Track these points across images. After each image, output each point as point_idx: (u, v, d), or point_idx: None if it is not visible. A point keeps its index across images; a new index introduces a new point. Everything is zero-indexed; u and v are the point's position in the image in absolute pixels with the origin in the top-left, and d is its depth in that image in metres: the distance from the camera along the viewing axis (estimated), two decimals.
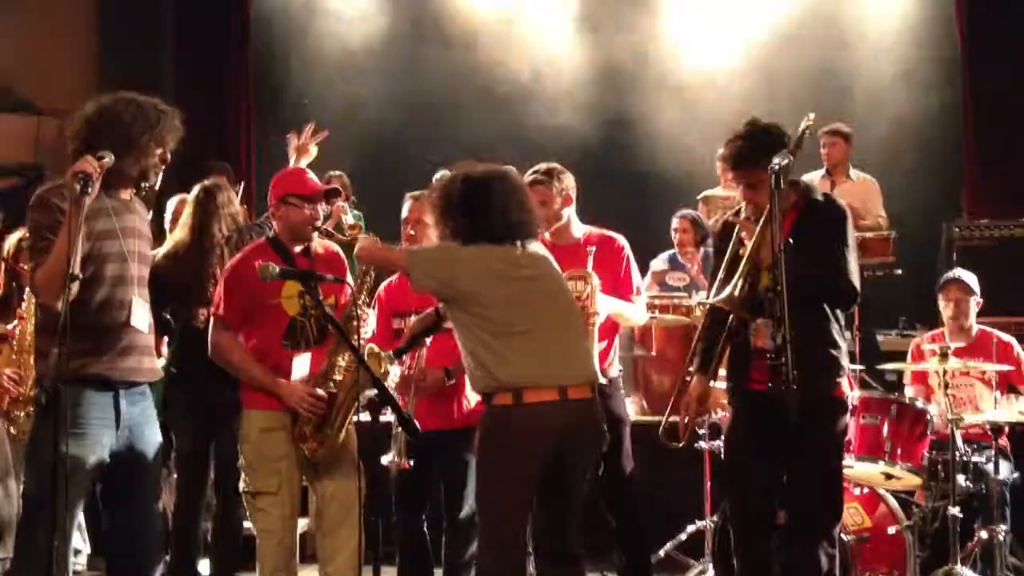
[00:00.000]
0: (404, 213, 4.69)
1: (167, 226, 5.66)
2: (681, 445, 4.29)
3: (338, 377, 3.99)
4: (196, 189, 5.00)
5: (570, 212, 4.67)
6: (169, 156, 3.61)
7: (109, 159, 3.38)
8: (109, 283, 3.48)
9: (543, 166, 4.66)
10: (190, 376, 4.67)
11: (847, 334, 4.05)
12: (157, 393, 4.88)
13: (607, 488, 4.60)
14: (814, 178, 7.39)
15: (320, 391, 3.95)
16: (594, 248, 4.53)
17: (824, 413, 3.85)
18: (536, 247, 3.79)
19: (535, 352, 3.59)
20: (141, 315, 3.56)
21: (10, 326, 5.20)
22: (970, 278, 5.41)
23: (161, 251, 4.80)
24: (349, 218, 7.56)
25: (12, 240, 5.35)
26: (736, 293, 3.75)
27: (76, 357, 3.33)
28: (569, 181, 4.66)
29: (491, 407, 3.63)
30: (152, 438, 3.67)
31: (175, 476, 5.57)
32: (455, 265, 3.67)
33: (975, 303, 5.40)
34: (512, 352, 3.59)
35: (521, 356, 3.59)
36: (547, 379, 3.59)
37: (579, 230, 4.70)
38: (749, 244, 3.82)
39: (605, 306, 4.44)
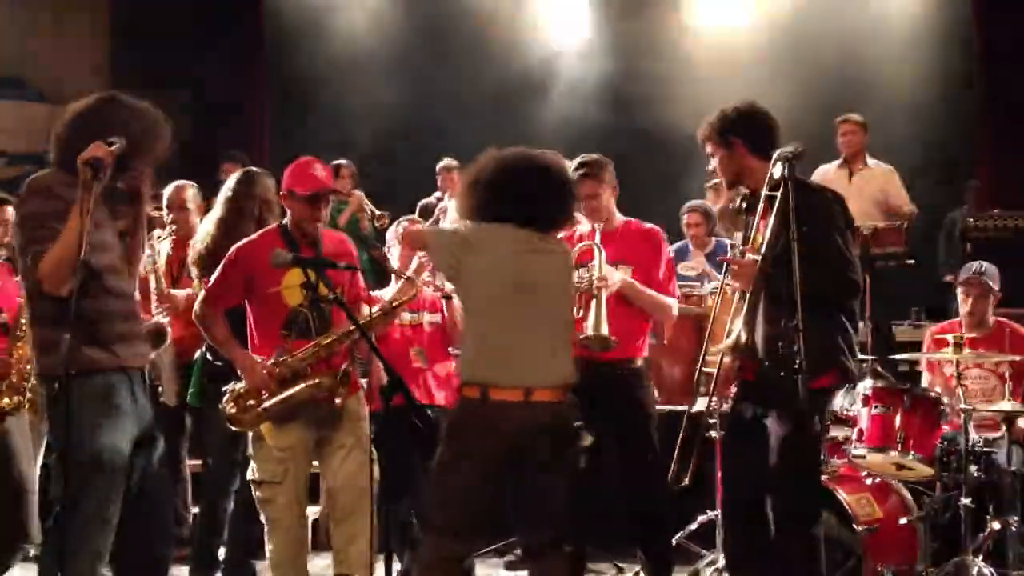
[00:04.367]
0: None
1: (164, 212, 5.69)
2: (687, 483, 4.27)
3: (308, 369, 4.01)
4: (237, 173, 4.90)
5: (612, 202, 4.74)
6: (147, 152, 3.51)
7: (120, 144, 3.38)
8: (115, 272, 3.47)
9: (587, 158, 4.69)
10: (222, 367, 4.58)
11: (854, 322, 3.98)
12: (195, 383, 4.91)
13: (630, 478, 4.65)
14: (830, 168, 7.39)
15: (277, 369, 3.98)
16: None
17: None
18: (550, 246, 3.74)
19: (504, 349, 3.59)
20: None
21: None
22: (992, 275, 5.35)
23: (198, 238, 4.75)
24: (369, 206, 7.60)
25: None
26: (742, 341, 3.73)
27: (97, 346, 3.34)
28: (612, 171, 4.72)
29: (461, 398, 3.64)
30: (156, 426, 3.65)
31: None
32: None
33: (993, 298, 5.37)
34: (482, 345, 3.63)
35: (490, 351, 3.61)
36: (512, 379, 3.56)
37: (619, 219, 4.77)
38: (747, 290, 3.79)
39: (616, 277, 4.50)
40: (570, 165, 5.94)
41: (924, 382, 5.48)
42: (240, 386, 4.02)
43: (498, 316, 3.62)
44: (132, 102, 3.54)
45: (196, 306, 4.15)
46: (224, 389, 4.08)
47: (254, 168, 5.02)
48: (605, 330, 4.43)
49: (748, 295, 3.75)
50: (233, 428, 4.09)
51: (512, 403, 3.52)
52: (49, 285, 3.33)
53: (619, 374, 4.62)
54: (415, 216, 5.54)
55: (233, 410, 4.00)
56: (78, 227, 3.23)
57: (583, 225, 4.79)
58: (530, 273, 3.62)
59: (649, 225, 4.83)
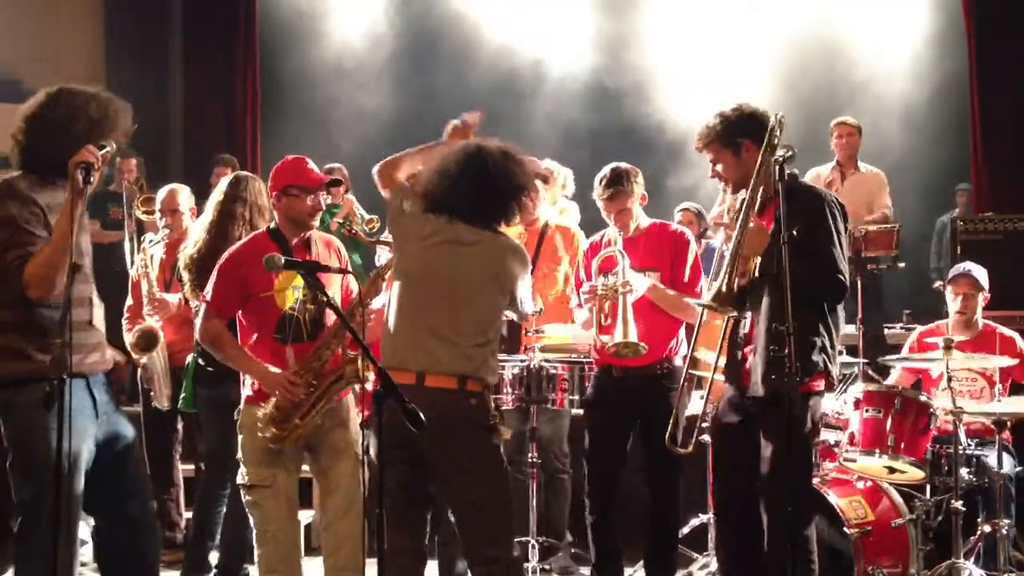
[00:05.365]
0: None
1: (157, 216, 5.70)
2: (689, 450, 4.32)
3: (324, 368, 3.99)
4: (228, 177, 4.89)
5: (639, 208, 4.81)
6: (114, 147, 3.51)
7: (110, 148, 3.37)
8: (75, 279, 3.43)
9: (615, 172, 4.71)
10: (213, 372, 4.62)
11: (838, 327, 3.97)
12: (187, 388, 4.91)
13: (651, 475, 4.71)
14: (823, 170, 7.39)
15: (300, 379, 3.95)
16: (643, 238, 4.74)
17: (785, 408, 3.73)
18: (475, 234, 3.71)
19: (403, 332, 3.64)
20: (99, 311, 3.61)
21: None
22: (980, 273, 5.36)
23: (189, 242, 4.73)
24: (359, 210, 7.64)
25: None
26: (723, 290, 3.76)
27: (47, 352, 3.23)
28: (641, 180, 4.77)
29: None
30: (127, 426, 3.68)
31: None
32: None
33: (983, 298, 5.38)
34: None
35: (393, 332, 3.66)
36: (406, 362, 3.56)
37: (645, 222, 4.82)
38: (730, 243, 3.84)
39: (640, 284, 4.56)
40: (556, 170, 5.99)
41: (894, 378, 5.51)
42: (269, 406, 3.96)
43: (405, 302, 3.67)
44: (82, 89, 3.52)
45: (199, 325, 4.06)
46: (259, 415, 3.98)
47: (244, 172, 5.02)
48: (634, 336, 4.46)
49: (732, 248, 3.76)
50: (274, 446, 3.99)
51: (404, 387, 3.46)
52: (37, 291, 3.31)
53: (653, 375, 4.68)
54: None
55: (273, 431, 3.94)
56: (67, 230, 3.22)
57: (610, 230, 4.83)
58: (441, 262, 3.65)
59: (675, 227, 4.88)
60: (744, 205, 3.81)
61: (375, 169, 3.92)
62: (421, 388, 3.53)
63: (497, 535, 3.63)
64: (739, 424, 3.97)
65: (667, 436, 4.29)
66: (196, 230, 4.74)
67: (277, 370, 3.96)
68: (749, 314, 3.95)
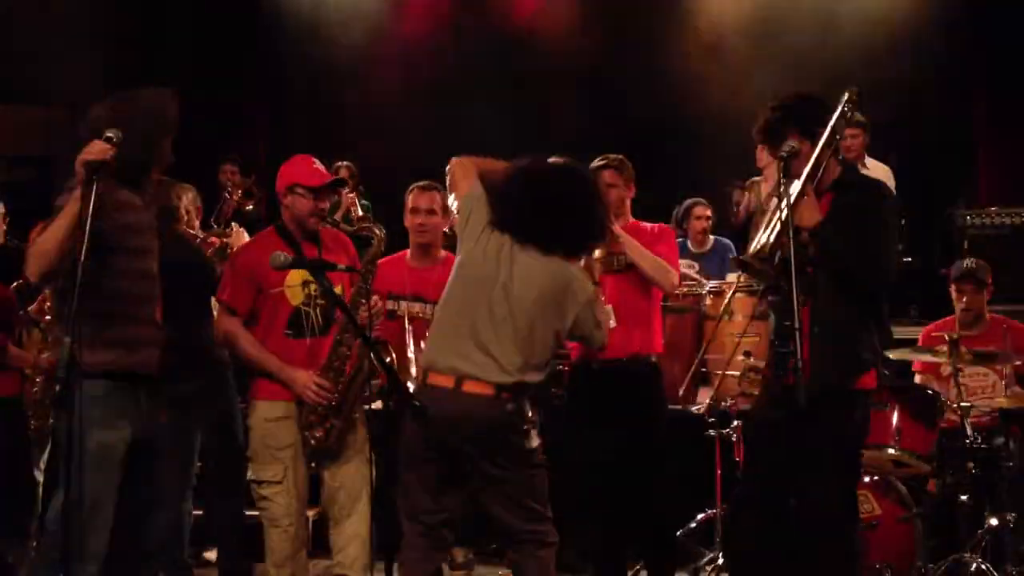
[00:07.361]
0: (411, 203, 4.72)
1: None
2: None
3: (345, 365, 4.00)
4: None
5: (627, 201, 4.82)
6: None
7: (116, 137, 3.39)
8: (137, 276, 3.56)
9: (612, 156, 4.82)
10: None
11: (888, 326, 3.93)
12: None
13: (634, 475, 4.64)
14: None
15: (326, 380, 3.97)
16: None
17: (834, 405, 3.71)
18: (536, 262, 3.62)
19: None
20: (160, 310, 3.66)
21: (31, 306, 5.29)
22: (981, 270, 5.37)
23: None
24: (358, 209, 7.67)
25: (39, 231, 5.45)
26: (764, 249, 3.64)
27: (103, 349, 3.40)
28: (633, 174, 4.81)
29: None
30: (167, 430, 3.79)
31: None
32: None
33: (987, 292, 5.38)
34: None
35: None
36: (446, 364, 3.53)
37: (630, 221, 4.81)
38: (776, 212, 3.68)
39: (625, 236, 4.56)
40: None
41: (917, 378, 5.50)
42: (305, 409, 3.97)
43: (454, 302, 3.63)
44: (131, 92, 3.76)
45: (216, 325, 4.06)
46: (297, 421, 3.99)
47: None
48: None
49: (778, 213, 3.62)
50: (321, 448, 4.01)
51: (442, 389, 3.49)
52: (27, 270, 3.44)
53: (633, 371, 4.62)
54: None
55: (320, 435, 3.97)
56: (63, 222, 3.28)
57: None
58: (499, 272, 3.58)
59: (655, 224, 4.88)
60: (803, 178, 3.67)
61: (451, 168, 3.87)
62: (459, 392, 3.50)
63: (533, 519, 3.63)
64: (782, 420, 3.80)
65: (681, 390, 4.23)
66: None
67: (304, 373, 3.96)
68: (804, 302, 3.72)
